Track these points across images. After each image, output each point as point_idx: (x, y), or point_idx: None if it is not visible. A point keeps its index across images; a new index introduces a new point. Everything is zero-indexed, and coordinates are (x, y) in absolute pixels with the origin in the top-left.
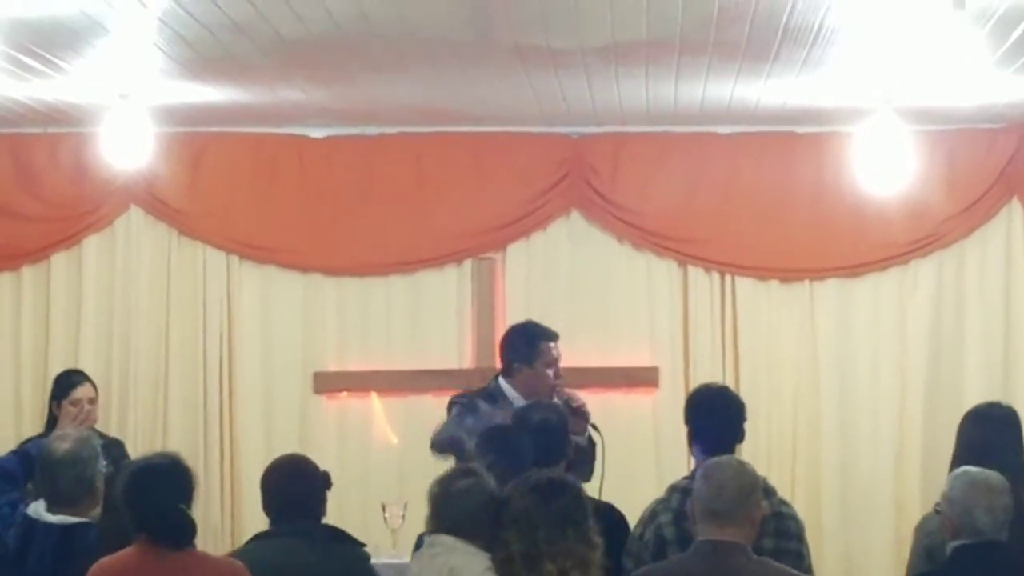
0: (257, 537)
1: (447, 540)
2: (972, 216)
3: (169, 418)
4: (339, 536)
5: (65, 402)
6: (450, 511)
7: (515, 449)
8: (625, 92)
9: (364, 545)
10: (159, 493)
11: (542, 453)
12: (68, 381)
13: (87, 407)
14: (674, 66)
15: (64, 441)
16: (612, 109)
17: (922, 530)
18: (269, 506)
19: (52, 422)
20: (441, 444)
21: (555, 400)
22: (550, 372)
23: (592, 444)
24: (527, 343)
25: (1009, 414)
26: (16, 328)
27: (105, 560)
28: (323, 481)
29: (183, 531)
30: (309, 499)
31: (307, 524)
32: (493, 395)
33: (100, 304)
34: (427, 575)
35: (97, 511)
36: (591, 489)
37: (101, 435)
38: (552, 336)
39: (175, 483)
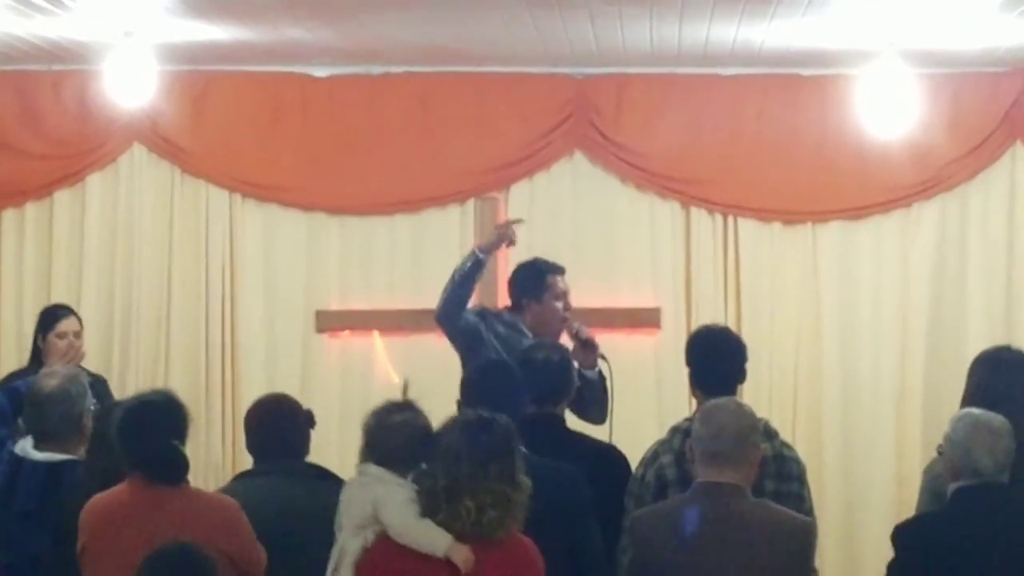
0: (240, 476)
1: (375, 471)
2: (975, 159)
3: (171, 356)
4: (322, 474)
5: (51, 335)
6: (382, 443)
7: (510, 386)
8: (629, 33)
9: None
10: (152, 429)
11: (543, 392)
12: (53, 314)
13: (73, 340)
14: (678, 6)
15: (52, 378)
16: (616, 50)
17: (930, 472)
18: (252, 445)
19: (36, 355)
20: (461, 328)
21: (565, 333)
22: (559, 305)
23: (603, 378)
24: (535, 278)
25: (1020, 358)
26: (19, 265)
27: (98, 497)
28: (306, 419)
29: (176, 467)
30: (292, 437)
31: (290, 462)
32: (512, 326)
33: (103, 242)
34: (355, 504)
35: (84, 448)
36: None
37: (88, 372)
38: (559, 270)
39: (168, 419)
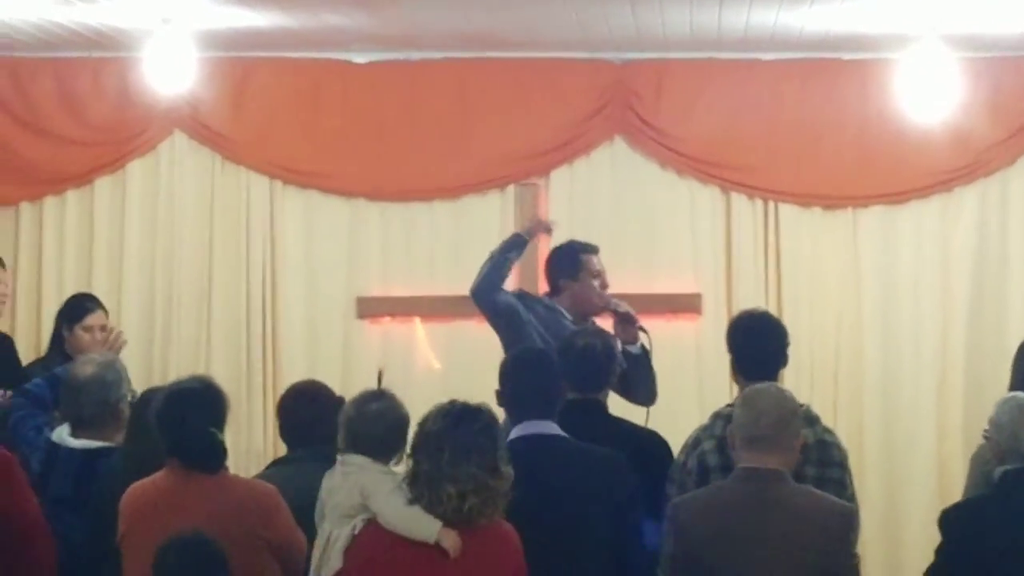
0: (275, 463)
1: (358, 459)
2: (1016, 144)
3: (212, 343)
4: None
5: (77, 327)
6: (362, 432)
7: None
8: (669, 18)
9: None
10: (191, 416)
11: (584, 378)
12: (82, 307)
13: (98, 334)
14: None
15: (89, 365)
16: (655, 35)
17: (979, 459)
18: (286, 431)
19: (59, 343)
20: (498, 306)
21: (603, 309)
22: (596, 283)
23: (646, 352)
24: (570, 258)
25: None
26: (60, 252)
27: (137, 484)
28: (339, 405)
29: (214, 454)
30: (325, 424)
31: (324, 448)
32: (552, 308)
33: (144, 229)
34: (340, 493)
35: (120, 436)
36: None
37: None
38: (593, 249)
39: (207, 407)
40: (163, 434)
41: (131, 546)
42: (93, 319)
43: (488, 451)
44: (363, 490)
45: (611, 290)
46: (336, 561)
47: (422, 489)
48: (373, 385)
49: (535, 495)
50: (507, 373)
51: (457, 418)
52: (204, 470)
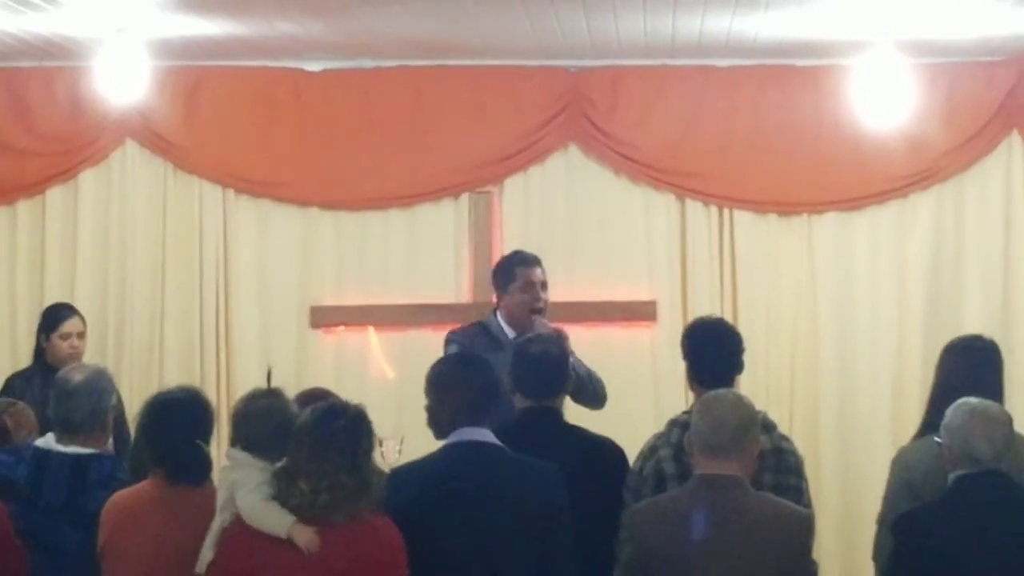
0: None
1: (239, 455)
2: (971, 149)
3: (165, 352)
4: None
5: (54, 336)
6: (245, 428)
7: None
8: (623, 25)
9: None
10: (175, 427)
11: (539, 386)
12: (57, 315)
13: (76, 342)
14: None
15: (80, 372)
16: (610, 42)
17: (899, 463)
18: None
19: (40, 355)
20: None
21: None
22: (526, 298)
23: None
24: (504, 270)
25: (989, 347)
26: (11, 262)
27: (120, 493)
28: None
29: (199, 466)
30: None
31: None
32: (488, 329)
33: (96, 238)
34: (222, 486)
35: (109, 444)
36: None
37: None
38: (529, 261)
39: (192, 417)
40: (148, 444)
41: (110, 555)
42: (69, 326)
43: (348, 449)
44: (232, 484)
45: (567, 297)
46: (208, 553)
47: (281, 484)
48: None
49: (465, 503)
50: (433, 383)
51: (320, 415)
52: (189, 481)
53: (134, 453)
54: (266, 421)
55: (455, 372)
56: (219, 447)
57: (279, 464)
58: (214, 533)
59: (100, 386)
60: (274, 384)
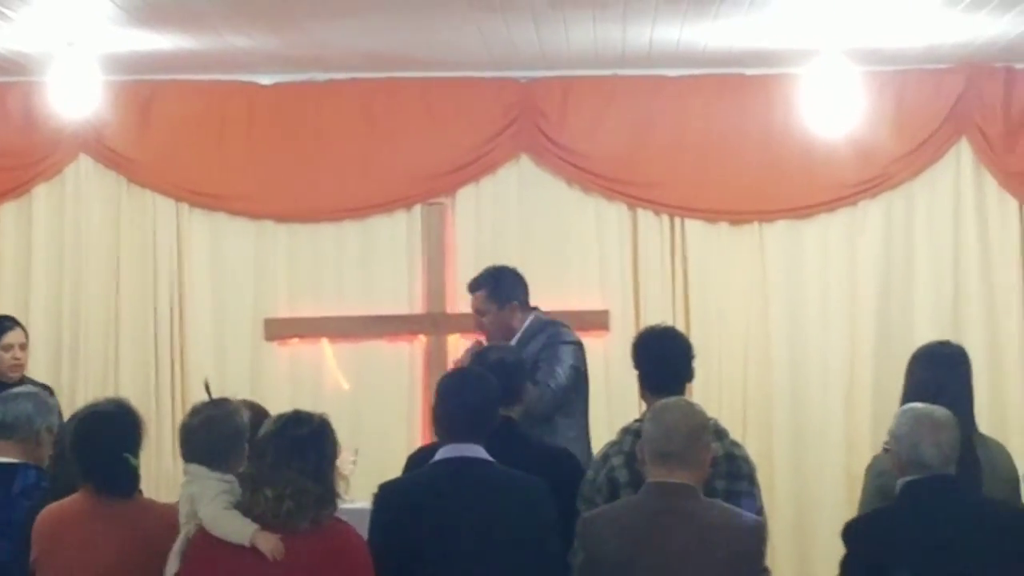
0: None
1: (194, 468)
2: (920, 156)
3: (120, 366)
4: None
5: None
6: (195, 441)
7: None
8: (573, 35)
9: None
10: (104, 440)
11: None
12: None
13: (19, 353)
14: (621, 9)
15: (30, 389)
16: (560, 53)
17: (873, 470)
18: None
19: None
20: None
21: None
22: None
23: None
24: None
25: (958, 352)
26: None
27: (50, 507)
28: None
29: (126, 479)
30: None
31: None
32: None
33: (50, 253)
34: (182, 501)
35: (35, 460)
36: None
37: (32, 382)
38: (469, 287)
39: (120, 430)
40: (76, 458)
41: (45, 569)
42: (11, 337)
43: (311, 456)
44: (192, 497)
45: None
46: (173, 565)
47: (246, 492)
48: (282, 406)
49: (454, 519)
50: (437, 394)
51: (284, 424)
52: (117, 494)
53: (57, 466)
54: (213, 432)
55: (452, 387)
56: (175, 459)
57: (241, 471)
58: (179, 545)
59: (44, 401)
60: (228, 395)
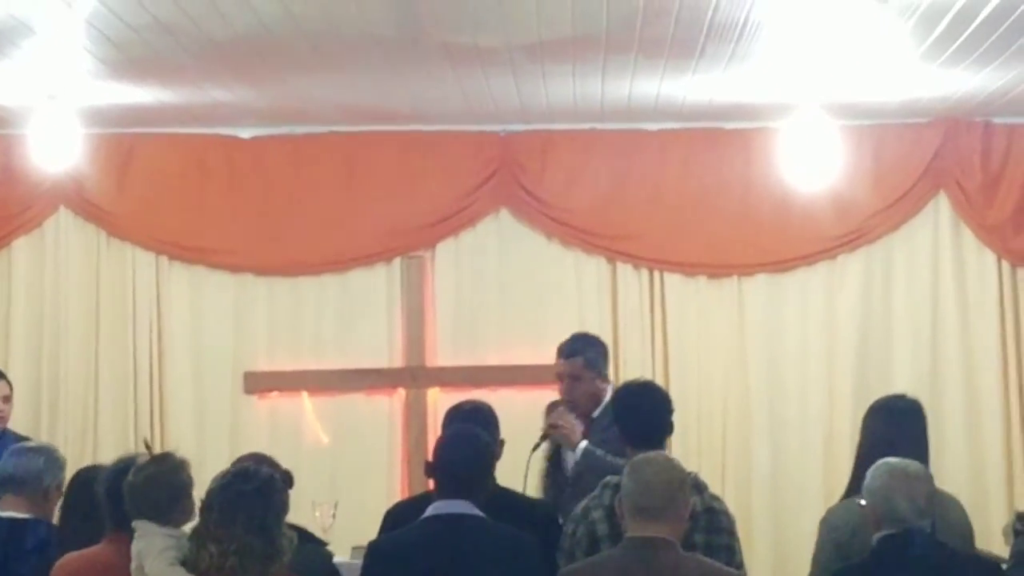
0: None
1: (142, 525)
2: (899, 210)
3: (100, 419)
4: (303, 536)
5: None
6: (139, 498)
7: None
8: (552, 89)
9: (327, 544)
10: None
11: None
12: None
13: (2, 405)
14: (600, 63)
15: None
16: (540, 106)
17: (828, 524)
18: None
19: None
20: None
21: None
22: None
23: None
24: None
25: (913, 406)
26: None
27: (72, 556)
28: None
29: None
30: None
31: None
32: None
33: (29, 306)
34: (133, 558)
35: (45, 514)
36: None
37: (16, 435)
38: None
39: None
40: (110, 507)
41: None
42: None
43: (257, 513)
44: (139, 554)
45: (499, 362)
46: None
47: (192, 547)
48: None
49: (445, 574)
50: (435, 451)
51: (231, 479)
52: None
53: (67, 523)
54: (155, 488)
55: (445, 447)
56: None
57: (191, 525)
58: None
59: (55, 458)
60: (206, 450)
